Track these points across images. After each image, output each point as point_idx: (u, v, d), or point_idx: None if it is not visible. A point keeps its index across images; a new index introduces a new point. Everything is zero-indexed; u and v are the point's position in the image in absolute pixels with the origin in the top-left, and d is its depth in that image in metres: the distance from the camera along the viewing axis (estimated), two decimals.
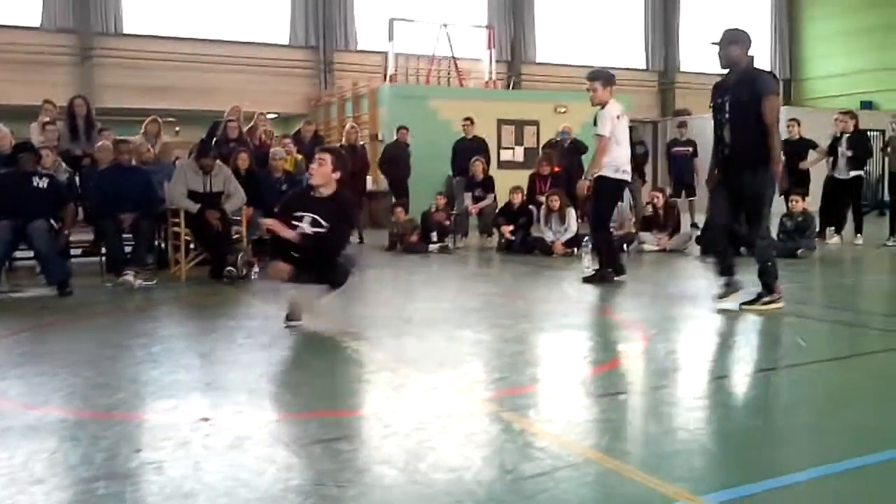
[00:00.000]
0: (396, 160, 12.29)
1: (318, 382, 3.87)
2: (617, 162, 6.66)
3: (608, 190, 6.71)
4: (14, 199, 6.65)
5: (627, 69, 21.38)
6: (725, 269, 5.57)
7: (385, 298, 6.68)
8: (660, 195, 10.16)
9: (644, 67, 23.46)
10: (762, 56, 23.95)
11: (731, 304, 5.40)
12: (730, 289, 5.54)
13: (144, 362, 4.18)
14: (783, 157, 11.16)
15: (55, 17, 16.66)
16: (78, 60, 16.89)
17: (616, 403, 3.34)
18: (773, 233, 9.17)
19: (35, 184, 6.83)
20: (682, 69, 23.54)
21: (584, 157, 12.18)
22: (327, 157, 4.98)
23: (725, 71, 5.45)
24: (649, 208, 10.10)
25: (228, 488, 2.43)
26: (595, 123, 6.74)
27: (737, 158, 5.33)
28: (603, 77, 6.72)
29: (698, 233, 9.63)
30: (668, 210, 9.94)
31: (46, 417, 3.17)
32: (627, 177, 6.86)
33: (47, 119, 9.07)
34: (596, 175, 6.63)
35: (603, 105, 6.66)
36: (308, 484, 2.47)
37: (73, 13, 16.75)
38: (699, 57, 22.24)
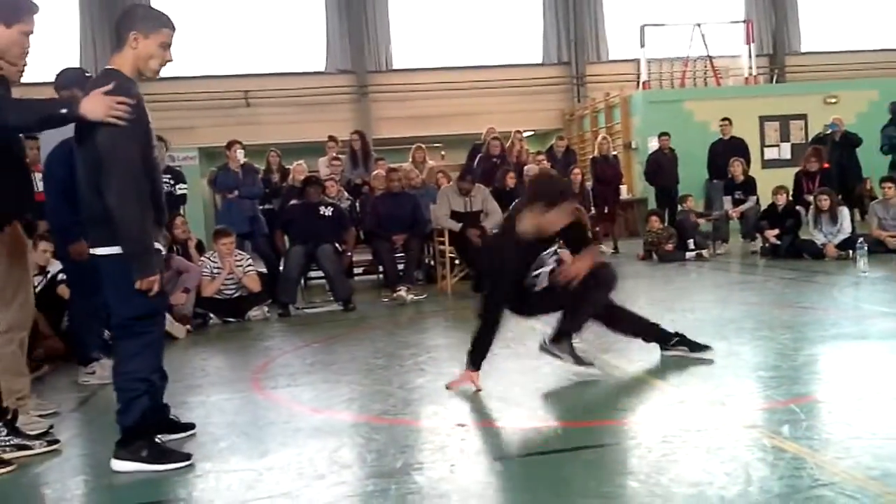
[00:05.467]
0: (661, 169, 12.08)
1: (566, 392, 4.02)
2: None
3: None
4: (305, 227, 7.67)
5: None
6: None
7: (637, 309, 6.63)
8: None
9: None
10: None
11: None
12: None
13: (412, 371, 4.61)
14: None
15: (336, 61, 18.69)
16: (356, 98, 18.73)
17: (883, 422, 3.08)
18: None
19: (322, 212, 7.78)
20: None
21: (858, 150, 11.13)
22: None
23: None
24: None
25: (479, 490, 2.68)
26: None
27: None
28: None
29: None
30: None
31: (329, 420, 3.66)
32: None
33: (334, 154, 10.27)
34: None
35: None
36: (551, 493, 2.64)
37: (351, 56, 18.66)
38: None
